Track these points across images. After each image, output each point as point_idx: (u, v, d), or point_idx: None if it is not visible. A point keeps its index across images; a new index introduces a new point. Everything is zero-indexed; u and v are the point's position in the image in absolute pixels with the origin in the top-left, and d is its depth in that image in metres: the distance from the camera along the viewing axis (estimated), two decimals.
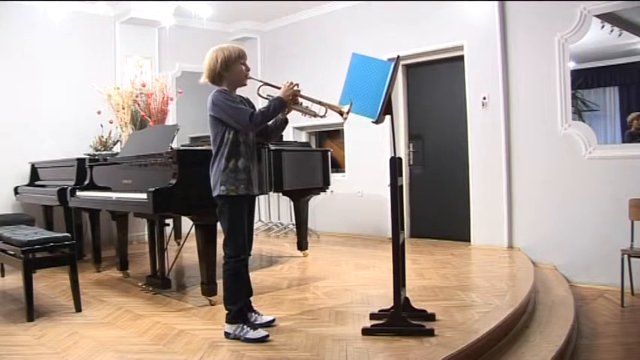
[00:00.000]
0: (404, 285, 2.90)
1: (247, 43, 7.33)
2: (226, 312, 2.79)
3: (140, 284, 3.94)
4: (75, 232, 4.86)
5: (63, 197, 4.58)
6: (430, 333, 2.66)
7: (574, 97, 4.66)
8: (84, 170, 4.58)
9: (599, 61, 4.69)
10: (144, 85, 5.65)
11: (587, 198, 4.49)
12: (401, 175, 2.87)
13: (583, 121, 4.64)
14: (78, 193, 4.31)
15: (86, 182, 4.45)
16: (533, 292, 3.72)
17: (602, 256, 4.35)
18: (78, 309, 3.35)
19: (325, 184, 5.05)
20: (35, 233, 3.52)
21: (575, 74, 4.64)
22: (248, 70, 2.83)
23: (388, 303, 2.87)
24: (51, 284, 4.13)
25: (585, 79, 4.70)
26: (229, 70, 2.75)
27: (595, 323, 3.55)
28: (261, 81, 2.92)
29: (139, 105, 5.56)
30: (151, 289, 3.79)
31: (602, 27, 4.43)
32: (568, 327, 3.15)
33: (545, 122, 4.73)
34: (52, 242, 3.33)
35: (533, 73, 4.81)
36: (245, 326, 2.74)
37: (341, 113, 2.73)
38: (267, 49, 7.37)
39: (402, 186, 2.90)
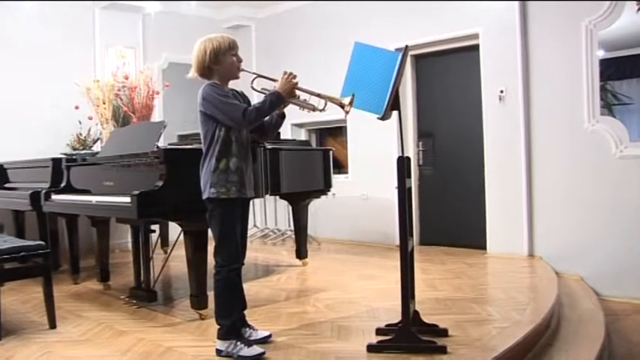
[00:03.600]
0: (413, 297, 2.91)
1: (240, 31, 7.35)
2: (218, 327, 2.80)
3: (123, 297, 3.95)
4: (50, 239, 4.84)
5: (36, 201, 4.57)
6: (442, 350, 2.66)
7: (603, 89, 4.65)
8: (60, 171, 4.58)
9: (633, 49, 4.67)
10: (127, 78, 5.66)
11: (617, 201, 4.48)
12: (409, 177, 2.89)
13: (613, 117, 4.64)
14: (53, 197, 4.32)
15: (63, 184, 4.45)
16: (557, 305, 3.72)
17: (635, 266, 4.35)
18: (52, 325, 3.34)
19: (326, 187, 5.06)
20: (4, 241, 3.50)
21: (605, 64, 4.62)
22: (240, 61, 2.84)
23: (396, 317, 2.88)
24: (22, 298, 4.13)
25: (617, 69, 4.69)
26: (219, 62, 2.77)
27: (630, 342, 3.54)
28: (254, 73, 2.94)
29: (121, 99, 5.57)
30: (134, 302, 3.80)
31: (638, 10, 4.40)
32: (598, 346, 3.13)
33: (570, 118, 4.73)
34: (24, 251, 3.31)
35: (556, 63, 4.82)
36: (239, 342, 2.74)
37: (342, 106, 2.74)
38: (262, 38, 7.38)
39: (410, 188, 2.91)
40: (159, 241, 5.70)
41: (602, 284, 4.55)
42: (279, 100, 2.75)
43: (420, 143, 5.99)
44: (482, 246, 5.33)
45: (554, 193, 4.88)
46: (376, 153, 6.08)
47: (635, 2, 4.39)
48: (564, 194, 4.80)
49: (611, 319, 3.91)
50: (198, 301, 3.37)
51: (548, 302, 3.54)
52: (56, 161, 4.78)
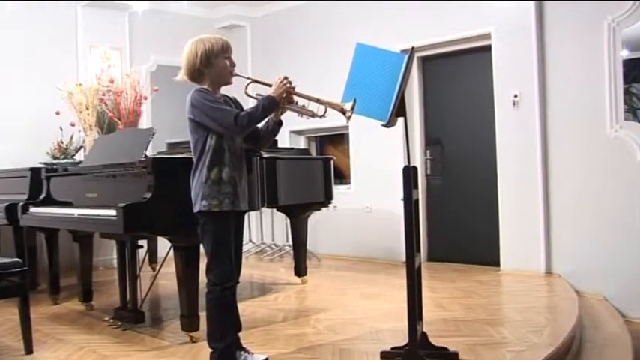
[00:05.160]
0: (421, 318, 2.92)
1: (235, 31, 7.40)
2: (210, 350, 2.81)
3: (107, 318, 3.95)
4: (27, 256, 4.84)
5: (13, 215, 4.57)
6: None
7: (627, 92, 4.67)
8: (39, 182, 4.60)
9: None
10: (112, 81, 5.69)
11: None
12: (416, 188, 2.91)
13: (639, 122, 4.64)
14: (32, 210, 4.34)
15: (42, 196, 4.47)
16: (579, 327, 3.71)
17: None
18: (29, 350, 3.32)
19: (327, 198, 5.09)
20: None
21: (630, 65, 4.65)
22: (233, 65, 2.88)
23: (402, 339, 2.89)
24: None
25: None
26: (211, 65, 2.80)
27: None
28: (248, 78, 2.97)
29: (106, 105, 5.60)
30: (120, 323, 3.81)
31: None
32: None
33: (591, 123, 4.75)
34: None
35: (575, 64, 4.85)
36: None
37: (343, 112, 2.77)
38: (258, 38, 7.44)
39: (417, 200, 2.93)
40: (146, 257, 5.72)
41: (628, 304, 4.53)
42: (272, 104, 2.78)
43: (428, 152, 6.02)
44: (495, 262, 5.33)
45: (573, 204, 4.88)
46: (380, 162, 6.10)
47: None
48: (585, 206, 4.81)
49: (639, 342, 3.88)
50: (189, 322, 3.38)
51: (568, 324, 3.54)
52: (35, 171, 4.79)
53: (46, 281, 4.73)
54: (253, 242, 7.18)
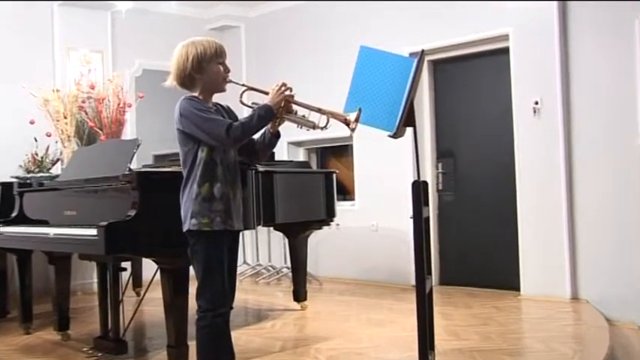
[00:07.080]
0: (432, 347, 2.93)
1: (228, 33, 7.47)
2: None
3: (85, 349, 3.94)
4: None
5: None
6: None
7: None
8: (11, 198, 4.62)
9: None
10: (93, 87, 5.74)
11: None
12: (427, 204, 2.92)
13: None
14: (2, 229, 4.35)
15: (14, 214, 4.49)
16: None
17: None
18: None
19: (329, 216, 5.11)
20: None
21: None
22: (228, 71, 2.90)
23: None
24: None
25: None
26: (203, 71, 2.82)
27: None
28: (244, 85, 2.99)
29: (86, 113, 5.63)
30: (99, 354, 3.80)
31: None
32: None
33: (620, 132, 4.77)
34: None
35: (602, 68, 4.87)
36: None
37: (347, 123, 2.79)
38: (253, 41, 7.49)
39: (428, 218, 2.95)
40: (130, 280, 5.72)
41: None
42: (268, 114, 2.80)
43: (440, 165, 6.05)
44: (514, 287, 5.33)
45: (601, 222, 4.88)
46: (388, 176, 6.13)
47: None
48: (615, 224, 4.81)
49: None
50: (177, 353, 3.37)
51: (598, 356, 3.53)
52: (6, 186, 4.82)
53: (17, 308, 4.71)
54: (248, 264, 7.18)
